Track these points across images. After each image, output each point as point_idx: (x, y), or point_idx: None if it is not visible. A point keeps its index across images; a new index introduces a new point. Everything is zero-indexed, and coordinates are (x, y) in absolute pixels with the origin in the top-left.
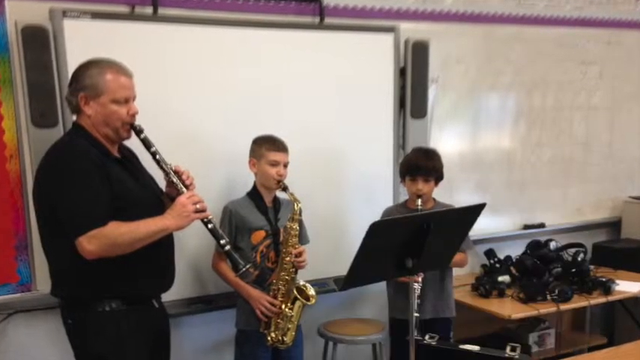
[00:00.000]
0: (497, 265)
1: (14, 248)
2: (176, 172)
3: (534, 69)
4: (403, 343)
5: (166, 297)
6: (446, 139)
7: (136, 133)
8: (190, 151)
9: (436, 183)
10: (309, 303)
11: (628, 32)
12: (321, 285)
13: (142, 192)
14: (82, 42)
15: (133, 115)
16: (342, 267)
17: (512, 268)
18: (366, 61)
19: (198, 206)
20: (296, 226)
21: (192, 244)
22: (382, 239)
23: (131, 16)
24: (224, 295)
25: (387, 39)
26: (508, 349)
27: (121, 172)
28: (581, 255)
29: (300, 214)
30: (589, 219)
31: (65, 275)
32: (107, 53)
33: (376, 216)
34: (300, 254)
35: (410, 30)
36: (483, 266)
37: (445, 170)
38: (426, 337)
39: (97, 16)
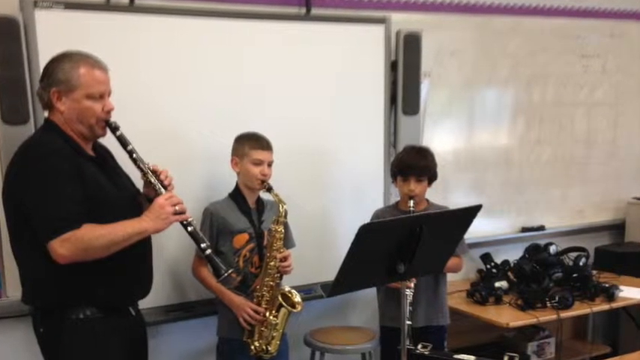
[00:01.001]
0: (494, 270)
1: None
2: (154, 172)
3: (533, 62)
4: (394, 353)
5: (144, 304)
6: (439, 136)
7: (112, 131)
8: (169, 149)
9: (429, 183)
10: (294, 310)
11: (632, 24)
12: (307, 291)
13: (117, 193)
14: (54, 34)
15: (109, 112)
16: (329, 272)
17: (509, 273)
18: (355, 55)
19: (177, 208)
20: (281, 228)
21: (171, 248)
22: (372, 243)
23: (106, 7)
24: (205, 302)
25: (378, 31)
26: (506, 358)
27: (96, 172)
28: (583, 259)
29: (285, 217)
30: (591, 221)
31: (37, 281)
32: (81, 46)
33: (366, 218)
34: (285, 259)
35: (401, 21)
36: (479, 271)
37: (439, 170)
38: (419, 346)
39: (70, 6)
